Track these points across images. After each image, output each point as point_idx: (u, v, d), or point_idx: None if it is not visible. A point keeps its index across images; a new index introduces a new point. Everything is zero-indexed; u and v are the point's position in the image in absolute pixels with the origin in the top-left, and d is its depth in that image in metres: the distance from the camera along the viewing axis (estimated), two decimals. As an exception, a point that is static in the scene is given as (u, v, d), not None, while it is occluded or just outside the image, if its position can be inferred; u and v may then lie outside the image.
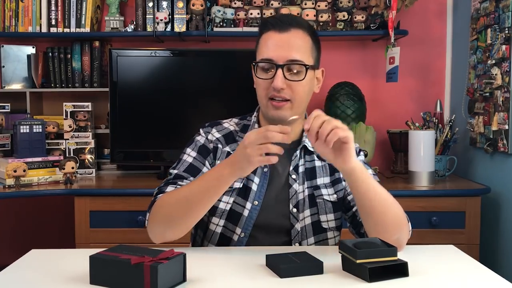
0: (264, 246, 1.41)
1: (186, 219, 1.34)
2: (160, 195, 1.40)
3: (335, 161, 1.27)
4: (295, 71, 1.39)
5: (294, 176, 1.47)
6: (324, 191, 1.48)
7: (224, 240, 1.45)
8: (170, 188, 1.41)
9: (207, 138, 1.51)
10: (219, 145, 1.50)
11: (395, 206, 1.35)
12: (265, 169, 1.47)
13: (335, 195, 1.49)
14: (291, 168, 1.47)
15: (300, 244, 1.45)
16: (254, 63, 1.42)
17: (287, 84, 1.38)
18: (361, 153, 1.53)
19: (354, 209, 1.47)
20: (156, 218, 1.37)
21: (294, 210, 1.45)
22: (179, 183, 1.42)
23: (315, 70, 1.46)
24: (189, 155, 1.49)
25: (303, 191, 1.47)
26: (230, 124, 1.55)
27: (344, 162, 1.25)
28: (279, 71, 1.37)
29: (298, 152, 1.48)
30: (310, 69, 1.41)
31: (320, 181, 1.49)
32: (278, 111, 1.40)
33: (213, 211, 1.45)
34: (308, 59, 1.41)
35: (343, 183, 1.49)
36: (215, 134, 1.52)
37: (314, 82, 1.47)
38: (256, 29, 2.76)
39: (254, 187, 1.45)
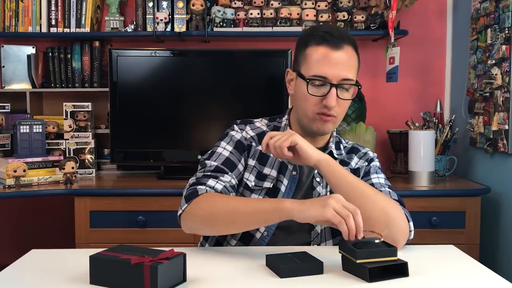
0: (284, 246, 1.41)
1: (227, 228, 1.37)
2: (201, 187, 1.39)
3: (300, 162, 1.37)
4: (347, 88, 1.41)
5: (318, 179, 1.49)
6: None
7: (247, 237, 1.46)
8: (212, 182, 1.40)
9: (242, 134, 1.52)
10: (253, 143, 1.51)
11: (379, 201, 1.35)
12: (294, 172, 1.49)
13: None
14: (316, 171, 1.49)
15: (319, 245, 1.47)
16: (308, 80, 1.41)
17: (337, 101, 1.41)
18: (376, 159, 1.57)
19: None
20: (196, 214, 1.36)
21: None
22: (220, 178, 1.42)
23: None
24: (225, 148, 1.49)
25: (326, 194, 1.49)
26: (261, 124, 1.57)
27: (305, 160, 1.35)
28: (333, 90, 1.39)
29: None
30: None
31: None
32: (324, 125, 1.44)
33: None
34: (355, 77, 1.44)
35: None
36: (249, 132, 1.53)
37: None
38: (256, 29, 2.77)
39: (282, 188, 1.47)
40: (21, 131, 2.57)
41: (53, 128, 2.76)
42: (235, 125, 1.55)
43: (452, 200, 2.37)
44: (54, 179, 2.54)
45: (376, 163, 1.56)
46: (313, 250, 1.27)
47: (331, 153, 1.51)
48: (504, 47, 2.27)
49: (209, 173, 1.43)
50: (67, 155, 2.73)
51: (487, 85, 2.41)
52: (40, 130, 2.62)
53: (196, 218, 1.37)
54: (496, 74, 2.33)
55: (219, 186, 1.40)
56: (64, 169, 2.50)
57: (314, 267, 1.18)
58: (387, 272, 1.15)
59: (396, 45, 2.72)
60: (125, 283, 1.08)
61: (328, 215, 1.18)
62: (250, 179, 1.48)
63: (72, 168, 2.52)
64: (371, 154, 1.58)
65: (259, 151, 1.50)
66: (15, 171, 2.41)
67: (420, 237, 2.27)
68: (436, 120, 2.65)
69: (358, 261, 1.13)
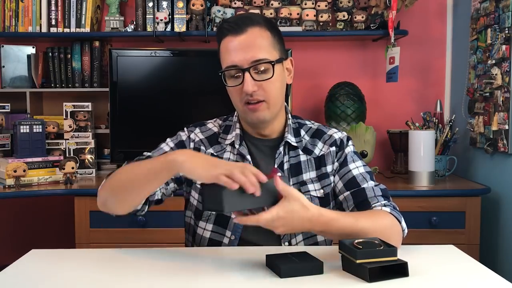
0: (254, 246, 1.40)
1: (127, 193, 1.33)
2: None
3: None
4: (262, 69, 1.37)
5: (279, 174, 1.45)
6: (310, 186, 1.46)
7: (214, 244, 1.44)
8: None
9: (189, 136, 1.51)
10: (202, 147, 1.49)
11: (376, 231, 1.28)
12: None
13: (321, 190, 1.46)
14: (275, 166, 1.45)
15: (289, 244, 1.44)
16: (220, 72, 1.42)
17: (257, 85, 1.37)
18: (350, 142, 1.51)
19: (348, 210, 1.44)
20: (105, 186, 1.39)
21: None
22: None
23: (283, 62, 1.44)
24: (167, 144, 1.50)
25: None
26: (214, 125, 1.54)
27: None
28: (247, 75, 1.36)
29: (281, 148, 1.46)
30: (277, 64, 1.40)
31: (306, 176, 1.46)
32: (257, 114, 1.39)
33: (199, 215, 1.45)
34: (272, 55, 1.39)
35: (331, 178, 1.47)
36: (198, 134, 1.51)
37: (284, 74, 1.45)
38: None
39: None
40: (21, 131, 2.57)
41: (53, 128, 2.76)
42: (185, 128, 1.54)
43: (452, 200, 2.37)
44: (54, 179, 2.54)
45: (350, 148, 1.49)
46: (313, 250, 1.27)
47: (288, 143, 1.46)
48: (504, 47, 2.27)
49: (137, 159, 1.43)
50: (67, 155, 2.73)
51: (487, 85, 2.41)
52: (40, 130, 2.62)
53: (104, 190, 1.38)
54: (496, 74, 2.33)
55: None
56: (64, 169, 2.50)
57: (314, 267, 1.18)
58: (387, 272, 1.15)
59: (396, 45, 2.72)
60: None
61: (214, 174, 1.14)
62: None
63: (72, 168, 2.52)
64: (337, 135, 1.50)
65: (210, 154, 1.48)
66: (15, 171, 2.41)
67: (420, 237, 2.29)
68: (436, 120, 2.65)
69: (358, 261, 1.13)
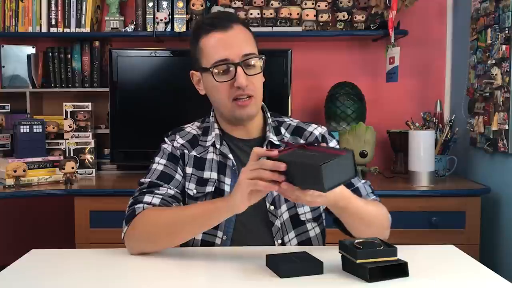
0: (248, 246, 1.40)
1: (171, 241, 1.34)
2: (139, 206, 1.37)
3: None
4: (252, 64, 1.38)
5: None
6: None
7: (207, 246, 1.44)
8: (148, 198, 1.38)
9: (173, 145, 1.49)
10: (185, 151, 1.48)
11: (378, 217, 1.37)
12: (234, 168, 1.44)
13: None
14: None
15: (282, 241, 1.44)
16: (209, 68, 1.39)
17: (249, 80, 1.37)
18: (331, 138, 1.51)
19: None
20: (137, 235, 1.34)
21: (272, 207, 1.43)
22: (156, 191, 1.40)
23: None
24: (159, 163, 1.47)
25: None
26: (192, 128, 1.54)
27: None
28: (239, 69, 1.36)
29: (264, 148, 1.44)
30: (260, 60, 1.41)
31: None
32: (246, 109, 1.39)
33: None
34: (256, 51, 1.41)
35: None
36: (179, 140, 1.50)
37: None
38: (256, 29, 2.75)
39: (227, 188, 1.43)
40: (21, 131, 2.56)
41: (53, 128, 2.76)
42: (165, 138, 1.53)
43: (452, 200, 2.37)
44: (54, 179, 2.54)
45: (333, 142, 1.50)
46: (313, 250, 1.27)
47: (271, 142, 1.45)
48: (504, 47, 2.27)
49: (144, 190, 1.41)
50: (67, 155, 2.73)
51: (487, 85, 2.41)
52: (40, 130, 2.62)
53: (138, 238, 1.34)
54: (496, 74, 2.33)
55: (156, 200, 1.38)
56: (64, 169, 2.50)
57: (314, 267, 1.18)
58: (387, 272, 1.15)
59: (396, 45, 2.72)
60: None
61: (249, 200, 1.18)
62: (191, 188, 1.45)
63: (72, 168, 2.52)
64: (318, 131, 1.50)
65: (193, 156, 1.48)
66: (15, 171, 2.41)
67: (420, 237, 2.29)
68: (436, 120, 2.65)
69: (358, 261, 1.13)
